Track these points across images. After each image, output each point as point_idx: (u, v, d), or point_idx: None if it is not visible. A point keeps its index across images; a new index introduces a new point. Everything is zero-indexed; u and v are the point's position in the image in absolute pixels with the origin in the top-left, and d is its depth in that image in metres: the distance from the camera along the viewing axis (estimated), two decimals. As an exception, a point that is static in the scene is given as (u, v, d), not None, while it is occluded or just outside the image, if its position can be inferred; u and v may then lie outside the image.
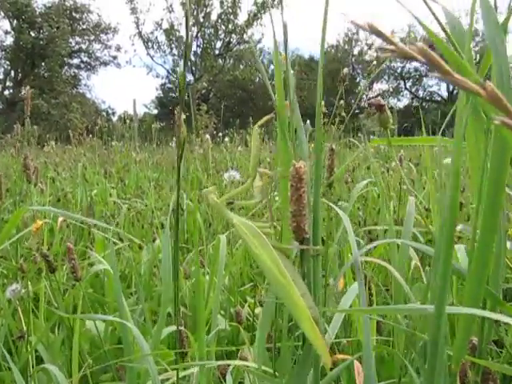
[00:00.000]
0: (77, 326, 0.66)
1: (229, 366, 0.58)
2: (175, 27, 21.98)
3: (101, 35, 22.09)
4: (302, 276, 0.36)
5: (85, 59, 22.41)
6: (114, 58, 22.45)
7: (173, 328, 0.71)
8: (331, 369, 0.41)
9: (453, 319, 0.68)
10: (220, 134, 5.04)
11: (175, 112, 0.67)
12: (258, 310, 0.96)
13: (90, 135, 5.37)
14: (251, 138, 0.43)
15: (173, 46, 22.45)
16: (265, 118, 0.44)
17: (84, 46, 22.21)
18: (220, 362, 0.58)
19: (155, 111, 23.62)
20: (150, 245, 1.43)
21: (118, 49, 22.36)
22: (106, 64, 22.59)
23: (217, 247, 1.01)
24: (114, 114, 22.64)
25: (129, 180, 3.08)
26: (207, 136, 1.02)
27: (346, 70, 0.79)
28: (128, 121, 6.23)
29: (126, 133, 5.66)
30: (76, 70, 22.54)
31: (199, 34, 21.88)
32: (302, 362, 0.34)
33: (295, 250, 0.38)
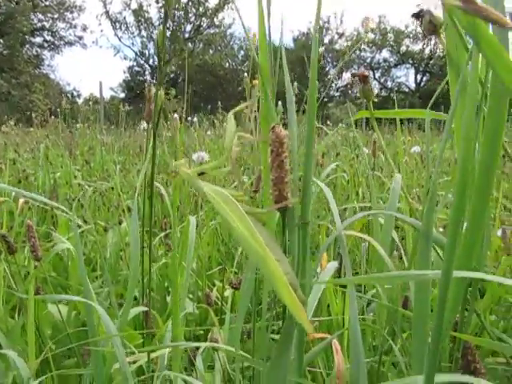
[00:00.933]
0: (32, 310, 0.62)
1: (198, 348, 0.56)
2: (144, 8, 21.43)
3: (65, 13, 21.28)
4: (284, 250, 0.35)
5: (48, 38, 21.58)
6: (80, 38, 21.73)
7: (140, 309, 0.69)
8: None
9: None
10: (189, 119, 4.97)
11: (146, 86, 0.64)
12: (227, 293, 0.95)
13: (53, 117, 5.20)
14: (226, 123, 0.41)
15: (141, 27, 21.91)
16: (242, 106, 0.42)
17: (47, 25, 21.36)
18: (195, 344, 0.57)
19: (122, 95, 23.07)
20: (116, 227, 1.40)
21: (84, 29, 21.65)
22: (71, 44, 21.84)
23: (186, 230, 0.99)
24: (79, 96, 21.98)
25: (94, 163, 3.00)
26: (175, 115, 0.99)
27: (321, 49, 0.77)
28: (92, 103, 6.06)
29: (91, 115, 5.51)
30: (38, 49, 21.69)
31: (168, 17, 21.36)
32: (284, 334, 0.33)
33: (275, 218, 0.37)
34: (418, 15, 0.37)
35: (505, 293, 0.69)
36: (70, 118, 5.16)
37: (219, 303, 1.01)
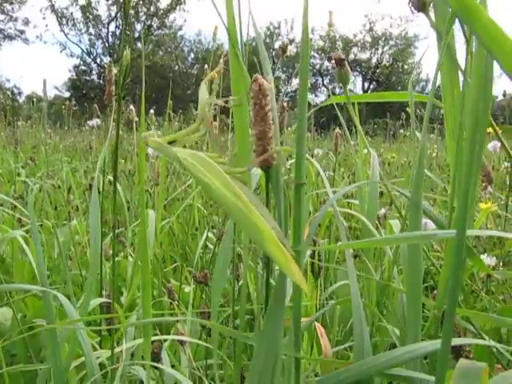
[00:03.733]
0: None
1: (164, 342, 0.54)
2: (93, 5, 20.79)
3: (4, 4, 20.23)
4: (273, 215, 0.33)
5: (-15, 30, 20.45)
6: (21, 32, 20.74)
7: (101, 300, 0.66)
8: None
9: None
10: (136, 120, 4.85)
11: (107, 69, 0.61)
12: (187, 289, 0.92)
13: (-9, 114, 4.92)
14: (200, 92, 0.40)
15: (90, 24, 21.24)
16: (212, 72, 0.41)
17: (-17, 16, 20.25)
18: (164, 337, 0.54)
19: (67, 94, 22.22)
20: (68, 225, 1.33)
21: (26, 22, 20.67)
22: (11, 38, 20.78)
23: (143, 226, 0.96)
24: (20, 94, 20.94)
25: (39, 161, 2.87)
26: (131, 106, 0.96)
27: (285, 40, 0.77)
28: (36, 101, 5.79)
29: (35, 113, 5.27)
30: (-26, 42, 20.52)
31: (118, 15, 20.91)
32: (274, 299, 0.31)
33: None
34: None
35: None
36: (11, 115, 4.91)
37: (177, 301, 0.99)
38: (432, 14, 0.36)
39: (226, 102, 0.38)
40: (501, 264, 0.85)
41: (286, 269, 0.28)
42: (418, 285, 0.32)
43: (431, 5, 0.36)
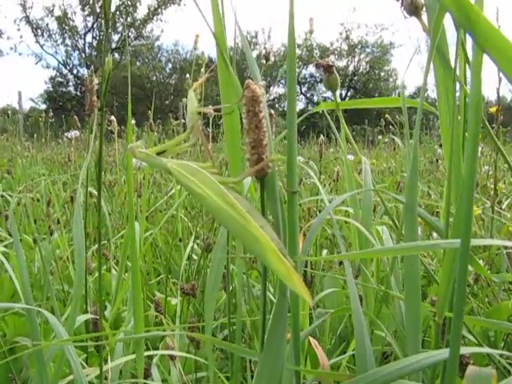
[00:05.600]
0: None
1: (151, 358, 0.53)
2: (69, 15, 20.59)
3: (-25, 16, 19.88)
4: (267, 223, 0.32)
5: (-43, 43, 20.05)
6: (-5, 44, 20.40)
7: (87, 316, 0.63)
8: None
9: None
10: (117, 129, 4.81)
11: (86, 78, 0.60)
12: (174, 302, 0.90)
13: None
14: (187, 100, 0.39)
15: (66, 35, 21.02)
16: (203, 78, 0.40)
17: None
18: (152, 352, 0.52)
19: (43, 106, 21.89)
20: (48, 240, 1.30)
21: (0, 34, 20.37)
22: (-16, 50, 20.45)
23: (126, 239, 0.94)
24: (-6, 106, 20.55)
25: (16, 174, 2.80)
26: (112, 117, 0.94)
27: (263, 46, 0.77)
28: (10, 113, 5.68)
29: (10, 126, 5.18)
30: None
31: (95, 25, 20.76)
32: (276, 313, 0.30)
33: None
34: None
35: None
36: (-16, 128, 4.82)
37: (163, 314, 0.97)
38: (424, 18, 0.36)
39: (217, 110, 0.37)
40: (487, 267, 0.85)
41: (288, 280, 0.27)
42: (417, 292, 0.31)
43: (423, 9, 0.36)
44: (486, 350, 0.34)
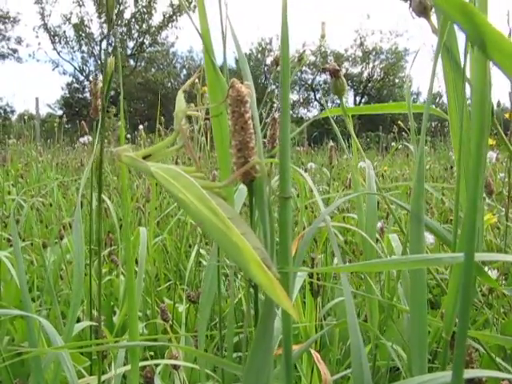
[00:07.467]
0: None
1: (156, 366, 0.52)
2: (85, 23, 20.91)
3: (-3, 24, 20.35)
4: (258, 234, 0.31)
5: (-22, 50, 20.49)
6: (14, 51, 20.80)
7: (87, 323, 0.63)
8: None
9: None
10: (128, 136, 4.86)
11: (91, 82, 0.60)
12: (181, 308, 0.89)
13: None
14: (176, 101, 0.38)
15: (82, 42, 21.34)
16: (191, 80, 0.40)
17: (-24, 35, 20.32)
18: (159, 361, 0.51)
19: (60, 112, 22.19)
20: (56, 244, 1.30)
21: (19, 41, 20.75)
22: (3, 57, 20.83)
23: (133, 243, 0.94)
24: (12, 112, 20.88)
25: (30, 179, 2.84)
26: (119, 122, 0.94)
27: (278, 52, 0.75)
28: (27, 119, 5.77)
29: (26, 131, 5.26)
30: (-32, 62, 20.55)
31: (111, 32, 20.99)
32: (261, 327, 0.28)
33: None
34: None
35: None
36: (3, 133, 4.91)
37: (171, 321, 0.96)
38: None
39: (205, 112, 0.36)
40: (502, 278, 0.83)
41: (272, 293, 0.26)
42: (423, 307, 0.30)
43: (433, 9, 0.34)
44: (493, 373, 0.32)
